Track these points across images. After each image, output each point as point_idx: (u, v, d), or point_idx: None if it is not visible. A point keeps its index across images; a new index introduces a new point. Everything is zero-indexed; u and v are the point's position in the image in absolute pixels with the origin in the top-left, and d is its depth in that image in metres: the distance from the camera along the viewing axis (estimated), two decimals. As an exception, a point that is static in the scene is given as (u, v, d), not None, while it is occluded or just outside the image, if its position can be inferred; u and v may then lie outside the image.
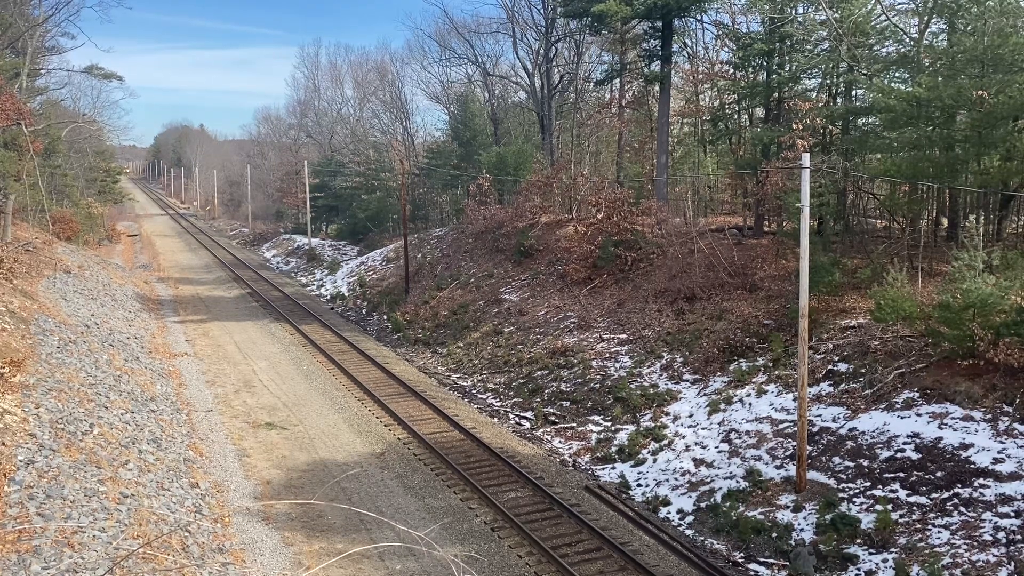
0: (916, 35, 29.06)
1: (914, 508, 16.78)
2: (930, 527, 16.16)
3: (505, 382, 29.77)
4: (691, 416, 23.49)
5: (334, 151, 78.10)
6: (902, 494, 17.22)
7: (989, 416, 18.07)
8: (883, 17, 30.73)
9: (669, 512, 19.63)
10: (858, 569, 15.93)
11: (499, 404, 28.16)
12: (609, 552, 17.04)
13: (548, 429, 25.29)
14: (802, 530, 17.42)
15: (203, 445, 22.07)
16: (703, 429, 22.59)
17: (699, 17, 41.77)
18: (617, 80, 46.54)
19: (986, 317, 18.71)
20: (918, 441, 18.21)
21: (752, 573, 16.76)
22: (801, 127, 30.18)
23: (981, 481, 16.64)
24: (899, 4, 31.46)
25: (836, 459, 19.05)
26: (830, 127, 31.93)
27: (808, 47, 33.93)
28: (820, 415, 20.58)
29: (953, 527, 15.95)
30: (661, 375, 26.24)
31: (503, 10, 65.18)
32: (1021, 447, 17.02)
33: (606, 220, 35.81)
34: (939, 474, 17.26)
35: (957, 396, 18.90)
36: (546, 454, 23.27)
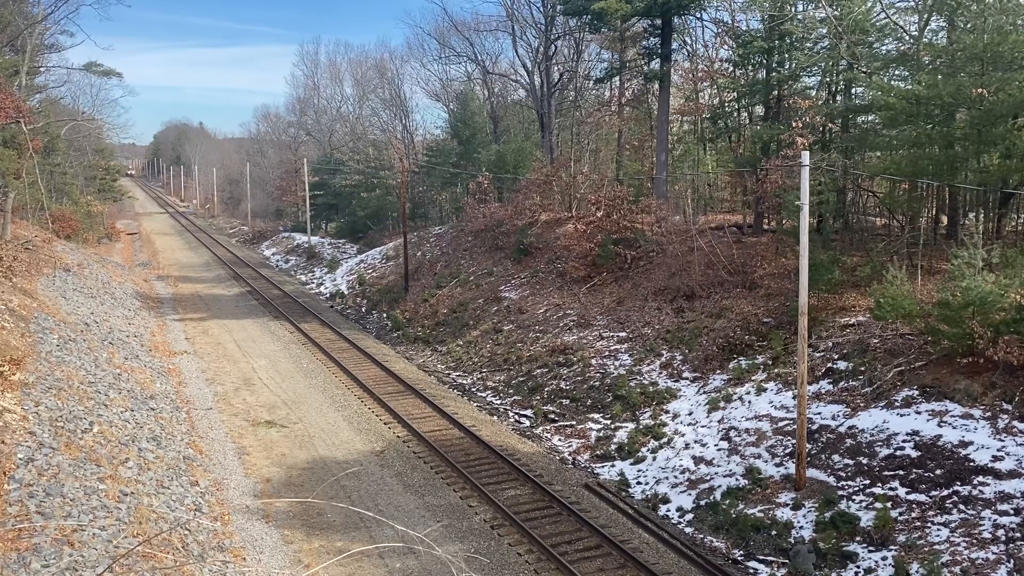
0: (916, 33, 29.04)
1: (913, 506, 16.80)
2: (929, 525, 16.17)
3: (505, 380, 29.78)
4: (691, 414, 23.49)
5: (333, 149, 78.05)
6: (901, 492, 17.23)
7: (988, 414, 18.08)
8: (883, 15, 30.71)
9: (669, 510, 19.64)
10: (857, 567, 15.94)
11: (499, 402, 28.17)
12: (609, 550, 17.05)
13: (548, 427, 25.31)
14: (802, 528, 17.43)
15: (203, 443, 22.07)
16: (703, 427, 22.60)
17: (699, 15, 41.78)
18: (617, 78, 46.54)
19: (986, 315, 18.71)
20: (917, 439, 18.22)
21: (752, 571, 16.78)
22: (801, 125, 30.18)
23: (980, 479, 16.65)
24: (899, 2, 31.46)
25: (835, 457, 19.06)
26: (830, 125, 31.92)
27: (808, 45, 33.90)
28: (820, 413, 20.59)
29: (952, 525, 15.96)
30: (661, 373, 26.24)
31: (503, 8, 65.27)
32: (1020, 445, 17.03)
33: (606, 218, 35.81)
34: (938, 472, 17.27)
35: (956, 394, 18.91)
36: (546, 452, 23.29)
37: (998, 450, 17.09)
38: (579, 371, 27.99)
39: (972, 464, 17.03)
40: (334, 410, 26.14)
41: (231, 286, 50.51)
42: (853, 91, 33.71)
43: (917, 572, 15.09)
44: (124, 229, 77.23)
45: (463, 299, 38.67)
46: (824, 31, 32.64)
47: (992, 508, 15.94)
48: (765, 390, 22.76)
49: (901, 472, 17.70)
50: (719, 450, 21.26)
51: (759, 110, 38.85)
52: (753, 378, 23.64)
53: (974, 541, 15.38)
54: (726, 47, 40.24)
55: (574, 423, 25.21)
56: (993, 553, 14.98)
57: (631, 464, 22.03)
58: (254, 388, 28.37)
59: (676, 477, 20.83)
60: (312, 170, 71.30)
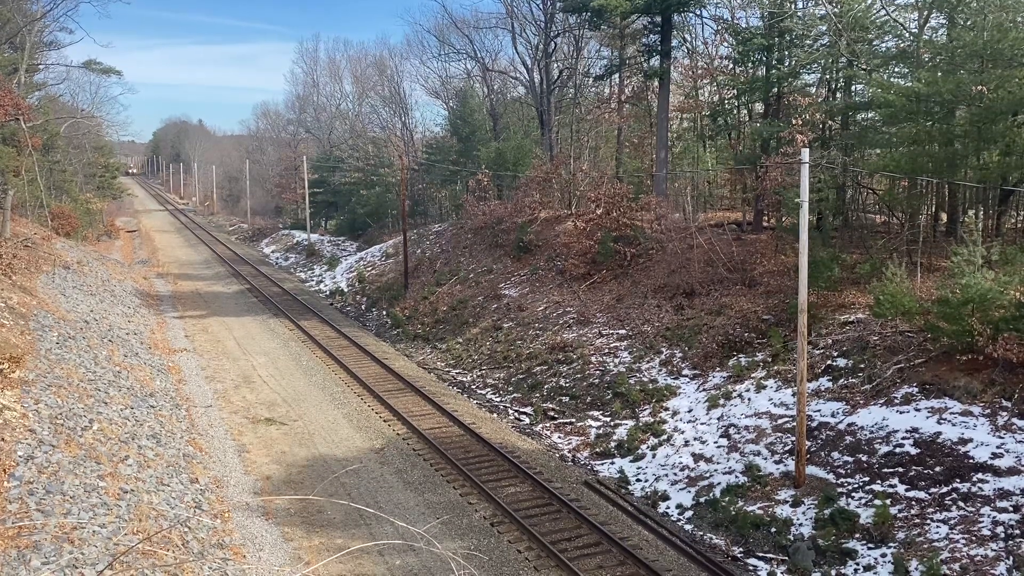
0: (916, 30, 29.01)
1: (913, 503, 16.81)
2: (929, 522, 16.19)
3: (504, 377, 29.79)
4: (690, 411, 23.51)
5: (333, 146, 78.02)
6: (901, 489, 17.25)
7: (988, 411, 18.09)
8: (883, 12, 30.68)
9: (668, 507, 19.66)
10: (857, 563, 15.96)
11: (498, 399, 28.18)
12: (608, 547, 17.07)
13: (547, 424, 25.32)
14: (801, 525, 17.45)
15: (202, 441, 22.08)
16: (702, 424, 22.61)
17: (698, 12, 41.72)
18: (616, 75, 46.48)
19: (985, 312, 18.71)
20: (917, 436, 18.23)
21: (751, 568, 16.80)
22: (800, 122, 30.18)
23: (979, 476, 16.67)
24: (898, -1, 31.41)
25: (835, 454, 19.08)
26: (829, 122, 31.92)
27: (808, 42, 33.88)
28: (819, 410, 20.60)
29: (952, 522, 15.98)
30: (660, 370, 26.25)
31: (502, 5, 65.23)
32: (1020, 442, 17.04)
33: (605, 215, 35.78)
34: (938, 469, 17.28)
35: (956, 391, 18.92)
36: (545, 449, 23.30)
37: (997, 447, 17.10)
38: (579, 368, 27.99)
39: (971, 461, 17.04)
40: (334, 407, 26.14)
41: (231, 283, 50.51)
42: (853, 88, 33.68)
43: (916, 569, 15.11)
44: (123, 226, 77.24)
45: (463, 296, 38.68)
46: (824, 28, 32.62)
47: (991, 505, 15.96)
48: (765, 387, 22.77)
49: (900, 469, 17.71)
50: (719, 447, 21.28)
51: (759, 107, 38.83)
52: (753, 375, 23.65)
53: (973, 538, 15.40)
54: (726, 44, 40.19)
55: (574, 420, 25.22)
56: (992, 550, 15.00)
57: (631, 461, 22.04)
58: (254, 386, 28.37)
59: (676, 474, 20.85)
60: (312, 167, 71.27)
